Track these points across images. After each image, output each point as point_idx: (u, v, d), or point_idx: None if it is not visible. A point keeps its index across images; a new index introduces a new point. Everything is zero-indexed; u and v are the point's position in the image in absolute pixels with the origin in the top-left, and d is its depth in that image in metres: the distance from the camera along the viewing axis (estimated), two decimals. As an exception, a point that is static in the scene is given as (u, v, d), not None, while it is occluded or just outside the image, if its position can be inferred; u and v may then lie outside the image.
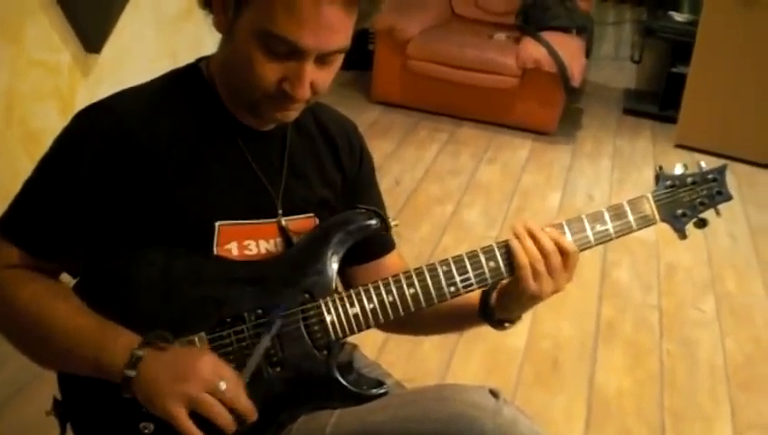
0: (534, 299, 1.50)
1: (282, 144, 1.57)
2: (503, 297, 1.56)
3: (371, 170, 1.73)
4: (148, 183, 1.42)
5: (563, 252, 1.48)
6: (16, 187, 1.45)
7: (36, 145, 3.24)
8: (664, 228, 1.61)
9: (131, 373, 1.31)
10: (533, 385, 3.01)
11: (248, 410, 1.35)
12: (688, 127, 5.47)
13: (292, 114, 1.48)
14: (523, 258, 1.47)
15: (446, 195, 4.53)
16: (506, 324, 1.60)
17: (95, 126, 1.42)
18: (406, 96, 5.65)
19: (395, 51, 5.48)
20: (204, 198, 1.46)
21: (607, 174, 5.06)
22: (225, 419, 1.32)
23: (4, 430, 2.54)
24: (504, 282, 1.54)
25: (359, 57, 5.62)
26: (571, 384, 3.04)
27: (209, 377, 1.31)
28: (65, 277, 1.47)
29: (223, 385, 1.31)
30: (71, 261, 1.45)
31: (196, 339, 1.40)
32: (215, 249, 1.46)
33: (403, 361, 2.97)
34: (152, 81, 1.53)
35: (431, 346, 3.11)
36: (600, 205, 1.56)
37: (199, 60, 1.55)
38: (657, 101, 6.05)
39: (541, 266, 1.47)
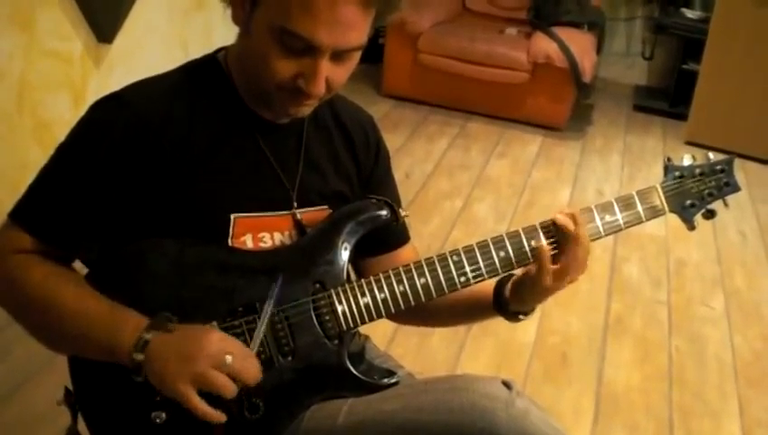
0: (549, 291, 1.51)
1: (298, 137, 1.57)
2: (517, 289, 1.56)
3: (387, 164, 1.73)
4: (164, 175, 1.42)
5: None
6: (27, 175, 1.45)
7: (47, 134, 3.25)
8: (674, 224, 1.61)
9: (139, 357, 1.31)
10: (542, 380, 3.01)
11: (256, 379, 1.35)
12: (699, 124, 5.45)
13: (307, 109, 1.48)
14: (546, 254, 1.48)
15: (455, 189, 4.53)
16: (521, 316, 1.60)
17: (112, 117, 1.43)
18: (416, 90, 5.65)
19: (406, 45, 5.49)
20: (220, 191, 1.46)
21: (617, 170, 5.06)
22: (231, 391, 1.32)
23: (12, 419, 2.54)
24: (518, 274, 1.54)
25: (369, 50, 5.52)
26: (580, 379, 3.04)
27: (215, 353, 1.31)
28: (77, 266, 1.48)
29: (229, 359, 1.31)
30: (84, 249, 1.45)
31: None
32: (230, 241, 1.47)
33: (412, 354, 2.97)
34: (170, 72, 1.53)
35: (440, 340, 3.12)
36: (609, 201, 1.56)
37: (218, 51, 1.55)
38: (667, 98, 6.03)
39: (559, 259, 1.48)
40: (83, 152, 1.42)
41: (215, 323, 1.40)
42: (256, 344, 1.39)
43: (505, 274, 1.54)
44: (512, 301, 1.58)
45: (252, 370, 1.35)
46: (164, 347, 1.32)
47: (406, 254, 1.71)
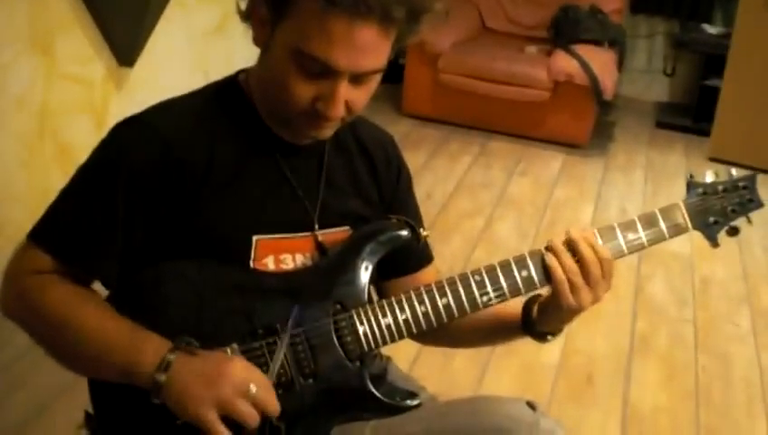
0: (574, 311, 1.48)
1: (319, 158, 1.56)
2: (542, 311, 1.54)
3: (409, 185, 1.72)
4: (185, 197, 1.41)
5: (599, 259, 1.46)
6: (49, 200, 1.45)
7: (69, 159, 3.26)
8: (698, 242, 1.58)
9: (162, 378, 1.30)
10: (567, 401, 2.98)
11: (276, 412, 1.34)
12: (722, 140, 5.41)
13: (327, 132, 1.47)
14: (559, 274, 1.46)
15: (477, 208, 4.51)
16: (549, 337, 1.58)
17: (134, 139, 1.42)
18: (437, 109, 5.65)
19: (426, 64, 5.48)
20: (241, 213, 1.45)
21: (640, 187, 5.02)
22: (255, 421, 1.31)
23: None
24: (544, 295, 1.52)
25: (390, 70, 5.53)
26: (606, 400, 3.00)
27: (240, 381, 1.31)
28: (98, 289, 1.47)
29: (254, 388, 1.31)
30: (104, 272, 1.43)
31: (229, 350, 1.38)
32: (251, 263, 1.46)
33: (435, 375, 2.95)
34: (191, 93, 1.52)
35: (463, 360, 3.09)
36: (633, 219, 1.54)
37: (238, 72, 1.54)
38: (690, 115, 5.99)
39: (578, 279, 1.45)
40: (104, 174, 1.41)
41: (235, 344, 1.39)
42: (273, 375, 1.37)
43: (529, 294, 1.52)
44: (539, 321, 1.56)
45: (273, 401, 1.34)
46: (187, 370, 1.31)
47: (428, 276, 1.68)
